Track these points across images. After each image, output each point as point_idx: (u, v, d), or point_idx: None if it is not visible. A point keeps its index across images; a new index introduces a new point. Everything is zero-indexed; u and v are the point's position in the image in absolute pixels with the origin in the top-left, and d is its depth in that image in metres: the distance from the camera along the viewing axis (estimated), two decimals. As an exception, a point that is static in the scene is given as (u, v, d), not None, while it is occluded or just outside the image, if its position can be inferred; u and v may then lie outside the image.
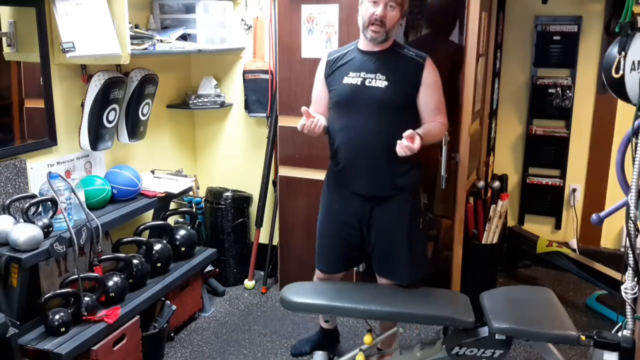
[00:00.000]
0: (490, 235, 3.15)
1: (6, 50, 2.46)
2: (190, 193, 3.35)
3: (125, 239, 2.82)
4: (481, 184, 3.31)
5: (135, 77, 2.85)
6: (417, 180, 2.43)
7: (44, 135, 2.60)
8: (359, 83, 2.28)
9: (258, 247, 3.55)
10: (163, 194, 2.99)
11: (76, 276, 2.40)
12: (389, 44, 2.31)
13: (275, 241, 3.49)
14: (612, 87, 1.74)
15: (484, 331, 2.17)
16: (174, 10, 3.25)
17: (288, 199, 3.30)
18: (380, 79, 2.26)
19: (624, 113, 3.50)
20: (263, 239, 3.57)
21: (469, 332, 2.20)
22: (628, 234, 1.68)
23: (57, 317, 2.30)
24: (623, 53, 1.65)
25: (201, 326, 3.12)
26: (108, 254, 2.70)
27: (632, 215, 1.66)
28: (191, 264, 3.05)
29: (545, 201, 3.91)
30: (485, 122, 3.53)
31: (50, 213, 2.39)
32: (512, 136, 3.93)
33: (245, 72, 3.44)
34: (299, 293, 2.33)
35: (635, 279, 1.69)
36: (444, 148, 2.77)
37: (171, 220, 3.22)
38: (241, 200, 3.54)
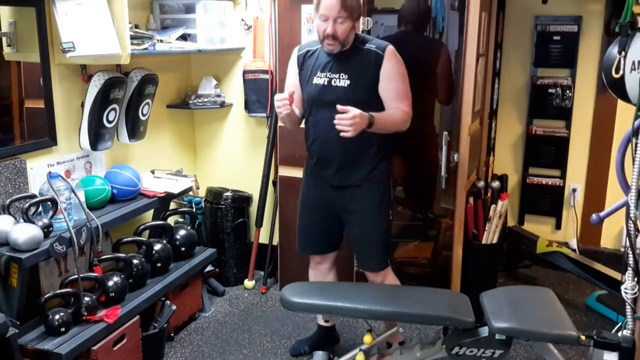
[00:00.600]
0: (490, 235, 3.15)
1: (6, 50, 2.46)
2: (190, 193, 3.35)
3: (125, 239, 2.82)
4: (481, 184, 3.31)
5: (135, 77, 2.85)
6: (384, 172, 2.52)
7: (44, 135, 2.60)
8: (325, 83, 2.40)
9: (258, 247, 3.55)
10: (163, 194, 2.99)
11: (76, 276, 2.40)
12: (349, 46, 2.38)
13: (275, 241, 3.49)
14: (612, 87, 1.73)
15: (484, 331, 2.17)
16: (174, 10, 3.25)
17: (288, 199, 3.30)
18: (343, 79, 2.37)
19: (624, 113, 3.50)
20: (263, 239, 3.57)
21: (469, 332, 2.19)
22: (628, 234, 1.68)
23: (57, 317, 2.30)
24: (623, 53, 1.65)
25: (201, 326, 3.12)
26: (108, 254, 2.71)
27: (632, 215, 1.66)
28: (191, 264, 3.05)
29: (545, 201, 3.91)
30: (485, 122, 3.53)
31: (50, 213, 2.39)
32: (512, 136, 3.93)
33: (245, 72, 3.43)
34: (299, 293, 2.33)
35: (635, 279, 1.69)
36: (444, 148, 2.77)
37: (171, 220, 3.22)
38: (241, 200, 3.54)
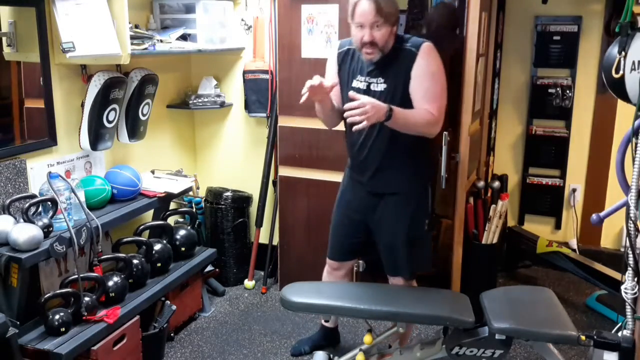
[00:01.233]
0: (490, 235, 3.15)
1: (6, 50, 2.46)
2: (190, 193, 3.35)
3: (125, 239, 2.82)
4: (481, 184, 3.31)
5: (135, 77, 2.85)
6: (423, 178, 2.46)
7: (44, 135, 2.60)
8: (364, 87, 2.33)
9: (258, 247, 3.55)
10: (163, 194, 2.99)
11: (76, 276, 2.40)
12: (388, 49, 2.28)
13: (275, 241, 3.49)
14: (612, 87, 1.73)
15: (484, 331, 2.17)
16: (174, 10, 3.25)
17: (288, 199, 3.30)
18: (380, 83, 2.30)
19: (624, 113, 3.50)
20: (263, 239, 3.57)
21: (469, 332, 2.20)
22: (628, 234, 1.68)
23: (57, 317, 2.30)
24: (623, 53, 1.65)
25: (201, 326, 3.12)
26: (108, 254, 2.70)
27: (632, 215, 1.66)
28: (191, 264, 3.05)
29: (545, 201, 3.91)
30: (485, 122, 3.53)
31: (50, 213, 2.39)
32: (512, 136, 3.93)
33: (245, 72, 3.43)
34: (299, 293, 2.33)
35: (635, 279, 1.69)
36: (444, 148, 2.77)
37: (171, 220, 3.22)
38: (241, 200, 3.54)
